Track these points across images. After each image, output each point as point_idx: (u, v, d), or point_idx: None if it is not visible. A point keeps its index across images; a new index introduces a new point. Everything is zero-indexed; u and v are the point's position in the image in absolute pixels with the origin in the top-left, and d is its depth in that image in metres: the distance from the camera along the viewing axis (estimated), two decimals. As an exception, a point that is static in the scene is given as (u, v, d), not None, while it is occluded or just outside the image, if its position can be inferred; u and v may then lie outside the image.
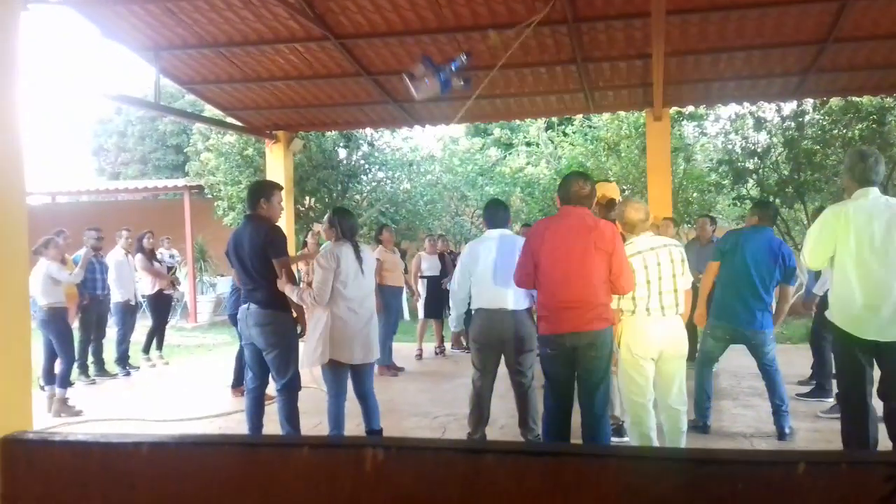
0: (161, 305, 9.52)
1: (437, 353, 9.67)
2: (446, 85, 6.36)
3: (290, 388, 4.87)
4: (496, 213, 5.17)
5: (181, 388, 8.05)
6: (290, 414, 4.86)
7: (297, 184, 13.08)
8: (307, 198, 15.10)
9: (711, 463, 0.66)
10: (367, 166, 16.76)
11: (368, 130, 15.08)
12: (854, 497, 0.62)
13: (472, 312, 5.05)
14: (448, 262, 9.76)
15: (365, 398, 4.91)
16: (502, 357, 4.99)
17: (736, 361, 7.18)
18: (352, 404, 4.98)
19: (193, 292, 14.93)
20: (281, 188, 5.08)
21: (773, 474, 0.63)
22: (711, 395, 5.68)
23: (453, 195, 17.43)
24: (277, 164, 11.06)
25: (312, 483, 0.69)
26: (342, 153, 16.14)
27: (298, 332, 5.05)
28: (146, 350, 9.44)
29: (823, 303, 6.83)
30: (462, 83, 6.56)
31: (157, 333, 9.57)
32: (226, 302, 8.84)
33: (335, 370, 4.81)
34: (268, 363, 4.88)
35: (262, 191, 4.91)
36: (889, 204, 3.85)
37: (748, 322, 5.33)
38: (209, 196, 15.38)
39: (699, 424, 5.47)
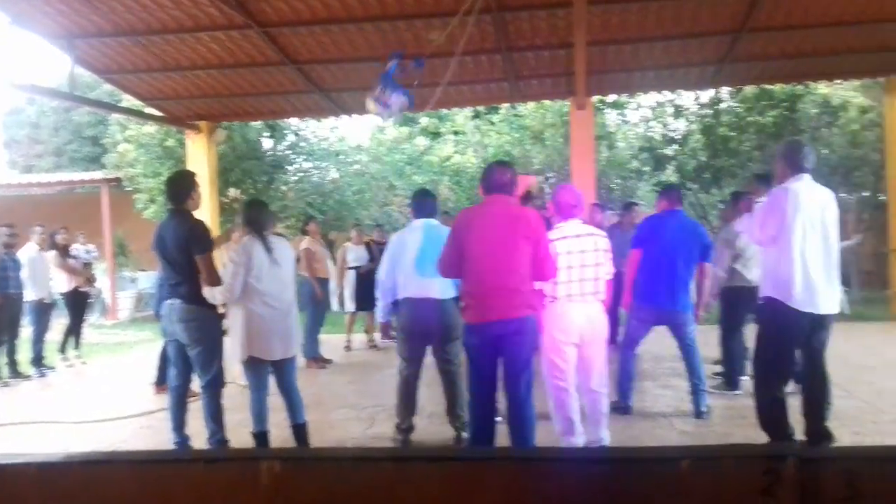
0: (77, 303, 9.20)
1: (370, 346, 9.59)
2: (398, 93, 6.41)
3: (215, 385, 4.78)
4: (423, 202, 5.19)
5: (101, 388, 7.78)
6: (215, 411, 4.79)
7: (220, 175, 12.75)
8: (231, 189, 14.76)
9: (603, 462, 0.68)
10: (293, 156, 16.48)
11: (294, 120, 14.85)
12: (736, 490, 0.64)
13: (399, 302, 5.05)
14: (375, 251, 9.50)
15: (288, 393, 4.85)
16: (429, 346, 5.01)
17: (658, 343, 7.38)
18: (277, 398, 4.91)
19: (113, 289, 14.43)
20: (195, 175, 5.05)
21: (659, 471, 0.65)
22: (634, 377, 5.83)
23: (381, 185, 17.31)
24: (200, 155, 10.78)
25: (206, 499, 0.68)
26: (267, 143, 15.83)
27: (223, 328, 4.95)
28: (62, 349, 9.10)
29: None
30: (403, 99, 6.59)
31: (73, 332, 9.25)
32: (150, 298, 8.59)
33: (255, 366, 4.74)
34: (191, 359, 4.77)
35: (188, 183, 4.80)
36: (821, 189, 4.28)
37: (671, 303, 5.51)
38: (128, 189, 14.86)
39: (620, 405, 5.60)
